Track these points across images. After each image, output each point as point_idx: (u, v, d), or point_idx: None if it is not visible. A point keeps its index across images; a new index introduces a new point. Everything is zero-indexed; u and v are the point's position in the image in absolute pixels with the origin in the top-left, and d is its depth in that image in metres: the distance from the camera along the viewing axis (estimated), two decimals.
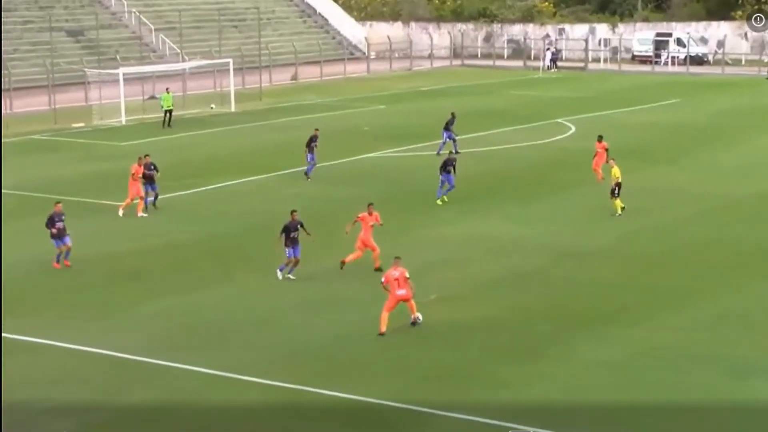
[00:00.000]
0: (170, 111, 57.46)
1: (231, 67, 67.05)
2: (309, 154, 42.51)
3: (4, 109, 59.95)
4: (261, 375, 22.33)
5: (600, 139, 41.64)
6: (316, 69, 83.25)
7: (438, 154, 45.54)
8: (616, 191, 35.70)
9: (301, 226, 28.64)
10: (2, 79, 62.66)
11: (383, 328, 24.64)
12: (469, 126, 54.73)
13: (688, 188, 40.64)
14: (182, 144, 52.45)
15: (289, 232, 28.45)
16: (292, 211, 28.87)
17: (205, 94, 68.04)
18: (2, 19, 69.63)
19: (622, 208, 35.77)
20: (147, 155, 37.65)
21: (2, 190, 36.25)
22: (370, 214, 29.96)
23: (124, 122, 58.87)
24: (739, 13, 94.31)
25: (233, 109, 64.33)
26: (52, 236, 30.19)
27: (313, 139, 42.65)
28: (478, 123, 56.52)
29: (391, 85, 77.96)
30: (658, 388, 21.66)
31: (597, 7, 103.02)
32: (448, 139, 47.51)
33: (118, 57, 73.53)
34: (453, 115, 48.59)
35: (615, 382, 22.13)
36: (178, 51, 78.31)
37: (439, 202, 37.65)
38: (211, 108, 63.97)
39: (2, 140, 49.61)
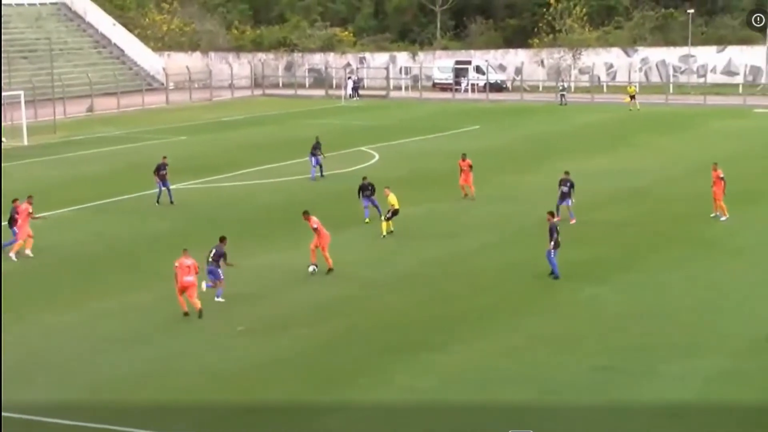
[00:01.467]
0: None
1: (22, 99, 64.58)
2: (159, 182, 42.15)
3: None
4: (52, 415, 21.15)
5: (464, 157, 42.99)
6: (113, 100, 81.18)
7: (313, 178, 47.55)
8: (389, 215, 36.33)
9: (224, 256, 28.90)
10: None
11: (184, 308, 27.30)
12: (270, 156, 54.11)
13: (488, 213, 40.64)
14: None
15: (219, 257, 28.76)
16: (221, 238, 29.27)
17: None
18: None
19: (390, 232, 36.29)
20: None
21: None
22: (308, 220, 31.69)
23: None
24: (536, 41, 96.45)
25: (26, 142, 61.86)
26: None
27: (161, 168, 42.26)
28: (280, 152, 55.76)
29: (191, 116, 76.57)
30: (468, 413, 21.28)
31: (397, 36, 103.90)
32: (315, 164, 48.07)
33: None
34: (317, 139, 49.03)
35: (427, 408, 21.64)
36: None
37: (367, 220, 38.32)
38: (2, 142, 61.24)
39: None
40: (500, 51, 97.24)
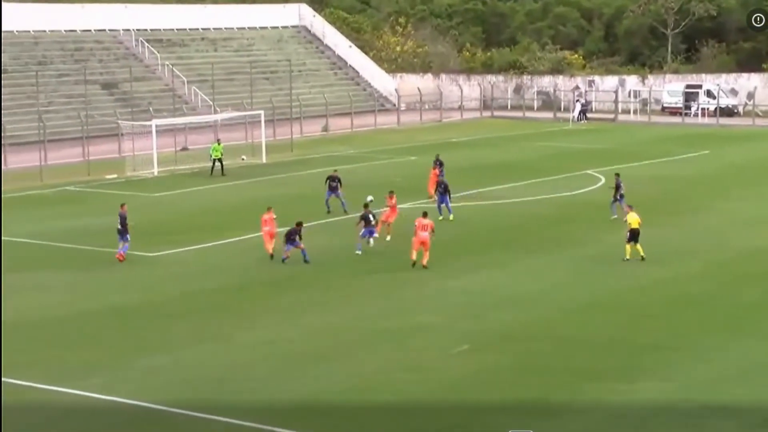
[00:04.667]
0: (220, 160, 59.31)
1: (262, 118, 67.75)
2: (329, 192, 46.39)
3: (40, 160, 60.74)
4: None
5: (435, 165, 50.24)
6: (346, 120, 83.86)
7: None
8: (628, 236, 36.30)
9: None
10: (3, 134, 63.11)
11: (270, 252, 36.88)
12: (498, 177, 55.15)
13: (702, 240, 40.76)
14: (209, 195, 53.05)
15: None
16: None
17: (236, 145, 68.53)
18: (38, 73, 70.79)
19: (642, 258, 36.19)
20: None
21: (28, 240, 37.76)
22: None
23: (156, 173, 59.50)
24: None
25: (264, 160, 64.84)
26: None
27: (331, 179, 46.48)
28: (508, 174, 56.80)
29: (421, 137, 78.27)
30: None
31: (626, 59, 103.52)
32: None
33: (151, 109, 74.53)
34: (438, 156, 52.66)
35: None
36: (210, 103, 79.17)
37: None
38: (242, 159, 64.43)
39: (35, 191, 50.46)
40: (732, 75, 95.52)
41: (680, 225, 43.57)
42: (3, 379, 23.70)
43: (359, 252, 37.85)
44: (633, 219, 36.48)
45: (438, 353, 27.10)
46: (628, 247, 36.44)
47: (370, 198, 40.25)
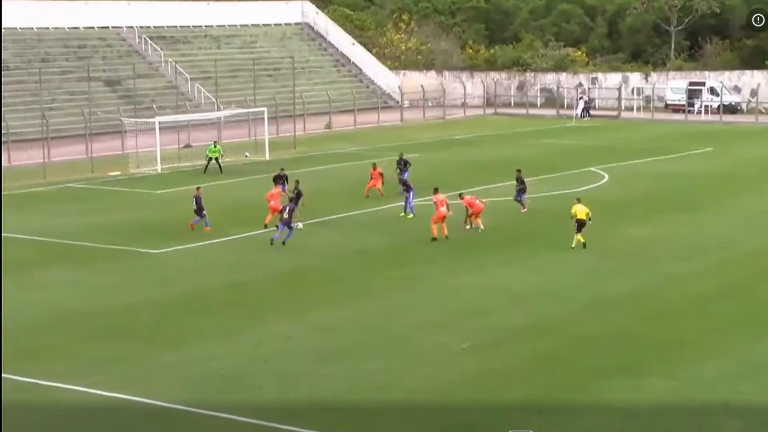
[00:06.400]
0: (216, 159, 59.08)
1: (266, 115, 67.62)
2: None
3: (43, 157, 60.62)
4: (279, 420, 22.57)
5: (375, 166, 50.45)
6: (349, 118, 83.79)
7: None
8: (576, 227, 37.65)
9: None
10: (6, 131, 63.14)
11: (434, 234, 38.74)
12: (502, 174, 55.01)
13: (710, 237, 40.76)
14: (212, 192, 52.80)
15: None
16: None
17: (239, 142, 68.52)
18: (41, 70, 70.78)
19: (584, 244, 37.45)
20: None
21: (32, 237, 37.78)
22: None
23: (159, 170, 59.46)
24: None
25: (267, 157, 64.75)
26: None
27: (277, 179, 47.52)
28: (512, 171, 56.55)
29: (424, 134, 78.20)
30: None
31: (630, 56, 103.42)
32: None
33: (154, 106, 74.44)
34: (401, 155, 53.25)
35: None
36: (214, 100, 79.14)
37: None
38: (246, 156, 64.36)
39: (39, 189, 50.49)
40: (736, 72, 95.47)
41: (687, 223, 43.45)
42: (6, 375, 23.68)
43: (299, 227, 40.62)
44: (580, 211, 37.84)
45: (447, 351, 26.93)
46: (578, 237, 37.66)
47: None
